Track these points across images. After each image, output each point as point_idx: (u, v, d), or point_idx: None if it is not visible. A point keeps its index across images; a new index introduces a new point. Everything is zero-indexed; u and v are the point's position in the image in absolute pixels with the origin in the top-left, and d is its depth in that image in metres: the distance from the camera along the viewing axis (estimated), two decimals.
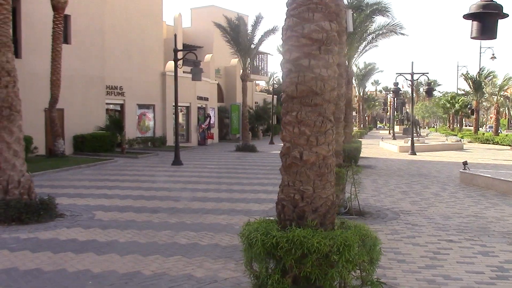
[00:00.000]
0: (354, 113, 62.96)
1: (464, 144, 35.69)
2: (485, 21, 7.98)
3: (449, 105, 59.97)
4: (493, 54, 49.84)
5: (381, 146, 33.82)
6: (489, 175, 14.12)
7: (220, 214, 10.20)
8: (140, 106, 29.89)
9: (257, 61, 50.00)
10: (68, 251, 7.30)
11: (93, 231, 8.57)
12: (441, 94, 75.13)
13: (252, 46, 29.68)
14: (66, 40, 23.61)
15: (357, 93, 61.80)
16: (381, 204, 11.39)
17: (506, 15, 8.00)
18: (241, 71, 30.07)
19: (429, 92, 31.58)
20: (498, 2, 8.00)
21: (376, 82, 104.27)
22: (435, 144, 33.35)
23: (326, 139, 4.96)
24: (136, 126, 29.40)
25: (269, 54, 52.85)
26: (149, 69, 29.96)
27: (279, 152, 5.19)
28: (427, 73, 27.28)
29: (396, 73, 26.75)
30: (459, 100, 55.64)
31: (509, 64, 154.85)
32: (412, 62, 27.15)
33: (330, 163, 4.99)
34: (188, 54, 22.51)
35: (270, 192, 13.23)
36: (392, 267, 6.58)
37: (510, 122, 75.08)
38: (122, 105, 28.60)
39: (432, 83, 30.12)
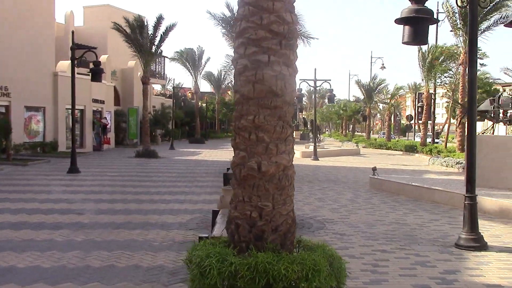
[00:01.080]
0: None
1: (360, 149, 37.14)
2: (417, 26, 7.87)
3: (342, 111, 62.53)
4: (383, 64, 52.74)
5: None
6: (400, 181, 14.40)
7: (133, 228, 9.16)
8: (28, 109, 27.30)
9: (155, 64, 48.49)
10: None
11: None
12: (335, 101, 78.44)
13: (153, 48, 28.38)
14: None
15: None
16: (302, 212, 11.01)
17: (436, 21, 7.94)
18: (140, 73, 28.67)
19: (331, 98, 32.48)
20: (428, 8, 7.94)
21: None
22: (334, 150, 34.28)
23: (286, 147, 4.33)
24: (23, 130, 26.76)
25: (166, 57, 51.51)
26: (39, 68, 27.51)
27: (231, 162, 4.46)
28: (330, 79, 27.95)
29: (300, 79, 27.07)
30: (352, 107, 58.18)
31: (396, 74, 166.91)
32: (315, 69, 27.63)
33: (290, 175, 4.36)
34: (82, 54, 20.74)
35: (182, 201, 12.36)
36: None
37: (396, 128, 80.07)
38: (7, 107, 25.87)
39: (332, 90, 30.84)
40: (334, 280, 4.11)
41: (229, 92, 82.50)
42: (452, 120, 36.82)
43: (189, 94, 52.33)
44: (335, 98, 38.91)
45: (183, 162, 24.99)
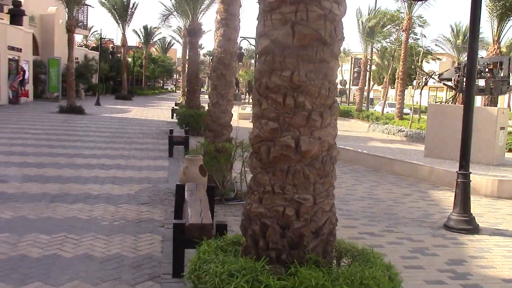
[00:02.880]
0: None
1: None
2: None
3: None
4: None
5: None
6: (359, 150, 13.67)
7: (73, 202, 7.64)
8: None
9: (77, 12, 44.66)
10: None
11: None
12: None
13: None
14: None
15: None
16: None
17: None
18: (62, 21, 25.85)
19: (240, 56, 31.29)
20: None
21: (200, 46, 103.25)
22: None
23: (332, 118, 3.11)
24: None
25: (89, 5, 47.58)
26: None
27: (249, 136, 3.19)
28: (249, 37, 26.70)
29: (240, 37, 25.60)
30: None
31: None
32: (257, 27, 26.19)
33: (335, 156, 3.16)
34: None
35: (124, 168, 10.86)
36: None
37: None
38: None
39: (241, 48, 29.64)
40: None
41: (155, 48, 79.02)
42: (377, 87, 36.78)
43: (111, 46, 49.01)
44: None
45: (113, 120, 22.99)
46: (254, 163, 3.13)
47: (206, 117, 8.66)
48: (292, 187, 2.99)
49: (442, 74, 14.84)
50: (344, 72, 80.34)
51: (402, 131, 22.23)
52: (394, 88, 77.19)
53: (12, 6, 17.09)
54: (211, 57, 8.25)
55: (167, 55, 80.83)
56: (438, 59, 42.21)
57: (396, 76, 49.99)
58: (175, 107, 27.48)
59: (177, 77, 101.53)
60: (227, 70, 8.15)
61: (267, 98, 3.04)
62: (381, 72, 49.87)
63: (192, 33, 18.32)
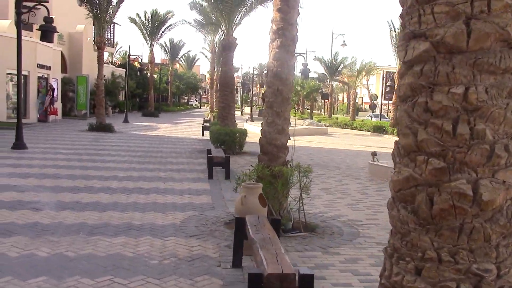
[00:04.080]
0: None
1: (327, 128, 35.58)
2: None
3: (299, 88, 60.75)
4: (344, 41, 51.22)
5: (246, 129, 31.92)
6: None
7: (115, 234, 6.81)
8: None
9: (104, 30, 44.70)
10: None
11: None
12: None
13: (110, 8, 25.25)
14: None
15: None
16: (318, 209, 8.98)
17: None
18: (89, 38, 25.49)
19: (305, 72, 30.51)
20: None
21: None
22: (302, 128, 32.43)
23: None
24: None
25: (116, 23, 47.60)
26: None
27: (391, 178, 2.28)
28: (304, 53, 25.94)
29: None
30: (310, 84, 56.49)
31: (355, 53, 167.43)
32: None
33: None
34: (33, 7, 17.58)
35: (163, 192, 10.04)
36: None
37: (349, 107, 79.36)
38: None
39: (307, 64, 28.92)
40: None
41: (179, 64, 78.95)
42: None
43: (137, 63, 48.88)
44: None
45: (143, 138, 22.37)
46: (405, 216, 2.23)
47: (259, 138, 7.79)
48: (468, 253, 2.07)
49: None
50: (368, 86, 79.04)
51: None
52: None
53: (43, 23, 16.54)
54: (266, 72, 7.37)
55: (192, 71, 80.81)
56: None
57: None
58: (205, 124, 26.80)
59: (201, 93, 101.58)
60: (284, 86, 7.29)
61: (427, 125, 2.15)
62: None
63: (227, 48, 17.61)
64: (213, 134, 17.44)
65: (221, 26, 18.86)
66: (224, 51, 17.95)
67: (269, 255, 4.40)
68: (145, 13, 46.05)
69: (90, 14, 25.06)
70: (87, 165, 13.05)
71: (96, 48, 39.08)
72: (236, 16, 17.50)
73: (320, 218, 8.32)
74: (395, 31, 32.60)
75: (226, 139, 16.82)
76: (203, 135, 25.70)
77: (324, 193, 10.82)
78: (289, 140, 7.95)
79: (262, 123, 7.78)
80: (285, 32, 7.20)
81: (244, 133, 17.72)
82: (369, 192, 11.33)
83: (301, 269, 4.11)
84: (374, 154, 14.04)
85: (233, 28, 17.71)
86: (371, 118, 39.42)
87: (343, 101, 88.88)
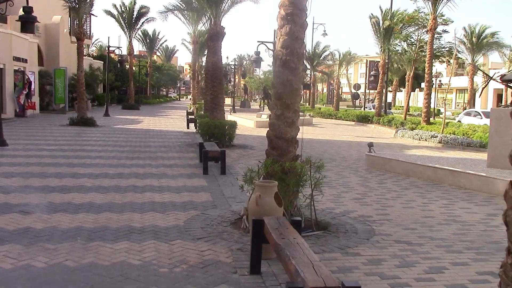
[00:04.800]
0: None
1: (312, 119, 35.28)
2: None
3: None
4: (325, 31, 50.85)
5: (236, 121, 31.41)
6: (411, 161, 12.32)
7: (116, 239, 6.28)
8: None
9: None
10: None
11: None
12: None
13: None
14: None
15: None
16: (323, 205, 8.55)
17: None
18: (66, 30, 24.51)
19: (258, 62, 30.19)
20: None
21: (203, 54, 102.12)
22: None
23: None
24: None
25: (94, 15, 46.32)
26: None
27: (508, 190, 1.83)
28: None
29: (258, 41, 24.27)
30: None
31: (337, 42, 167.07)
32: (275, 30, 24.97)
33: None
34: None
35: (159, 189, 9.52)
36: None
37: (329, 97, 79.14)
38: None
39: (259, 53, 28.47)
40: None
41: (157, 55, 77.58)
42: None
43: (118, 55, 47.65)
44: (270, 65, 36.10)
45: (128, 132, 21.69)
46: None
47: (267, 132, 7.31)
48: None
49: (505, 75, 13.55)
50: (349, 76, 79.12)
51: (435, 137, 20.90)
52: (401, 91, 75.87)
53: (21, 13, 15.70)
54: (274, 60, 6.88)
55: (171, 62, 79.65)
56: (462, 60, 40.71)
57: (406, 79, 48.64)
58: (190, 117, 26.22)
59: (180, 85, 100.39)
60: (294, 76, 6.82)
61: None
62: (391, 75, 48.59)
63: (215, 37, 17.02)
64: (202, 127, 16.88)
65: (208, 14, 18.27)
66: (211, 41, 17.36)
67: (304, 264, 3.94)
68: (123, 3, 44.87)
69: (67, 4, 24.09)
70: (73, 162, 12.41)
71: (75, 39, 38.08)
72: (224, 5, 16.91)
73: (329, 215, 7.92)
74: (376, 18, 32.24)
75: (216, 131, 16.31)
76: (188, 127, 25.13)
77: (326, 187, 10.39)
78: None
79: (269, 116, 7.30)
80: (294, 18, 6.72)
81: (233, 125, 17.22)
82: (371, 185, 10.98)
83: (345, 281, 3.66)
84: (370, 145, 13.70)
85: (221, 17, 17.12)
86: (370, 109, 39.98)
87: (322, 91, 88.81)
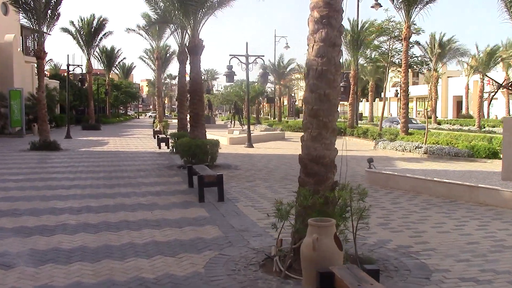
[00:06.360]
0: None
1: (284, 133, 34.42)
2: None
3: (242, 93, 59.36)
4: (287, 43, 50.47)
5: (218, 139, 30.15)
6: (420, 176, 11.47)
7: None
8: None
9: (31, 39, 41.25)
10: None
11: None
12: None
13: (48, 12, 22.73)
14: None
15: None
16: (349, 233, 7.50)
17: None
18: (19, 49, 22.75)
19: (265, 75, 29.28)
20: None
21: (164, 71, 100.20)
22: (261, 134, 31.08)
23: None
24: None
25: (46, 32, 44.09)
26: None
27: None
28: (263, 55, 24.51)
29: (230, 55, 23.22)
30: (255, 88, 55.25)
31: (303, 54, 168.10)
32: (247, 43, 24.08)
33: None
34: None
35: (157, 225, 8.24)
36: None
37: (291, 110, 78.77)
38: None
39: (266, 67, 27.65)
40: None
41: (115, 72, 75.30)
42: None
43: (79, 74, 45.45)
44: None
45: (96, 155, 20.10)
46: None
47: (299, 156, 6.24)
48: None
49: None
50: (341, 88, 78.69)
51: (419, 147, 20.33)
52: (363, 101, 76.05)
53: None
54: (307, 71, 5.78)
55: (128, 80, 77.50)
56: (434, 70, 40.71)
57: (370, 89, 48.35)
58: (162, 136, 24.86)
59: (138, 103, 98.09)
60: (332, 89, 5.78)
61: None
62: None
63: (193, 51, 15.82)
64: (182, 147, 15.61)
65: (174, 27, 17.09)
66: (190, 55, 16.15)
67: None
68: (81, 19, 42.99)
69: (27, 18, 22.41)
70: (47, 194, 10.94)
71: (29, 59, 35.96)
72: (199, 14, 15.76)
73: (364, 247, 6.88)
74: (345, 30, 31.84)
75: (198, 151, 15.10)
76: (159, 147, 23.75)
77: None
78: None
79: (302, 137, 6.23)
80: (331, 21, 5.70)
81: (216, 144, 16.04)
82: (385, 205, 10.06)
83: None
84: (370, 160, 12.83)
85: (199, 28, 15.97)
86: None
87: (282, 104, 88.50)
